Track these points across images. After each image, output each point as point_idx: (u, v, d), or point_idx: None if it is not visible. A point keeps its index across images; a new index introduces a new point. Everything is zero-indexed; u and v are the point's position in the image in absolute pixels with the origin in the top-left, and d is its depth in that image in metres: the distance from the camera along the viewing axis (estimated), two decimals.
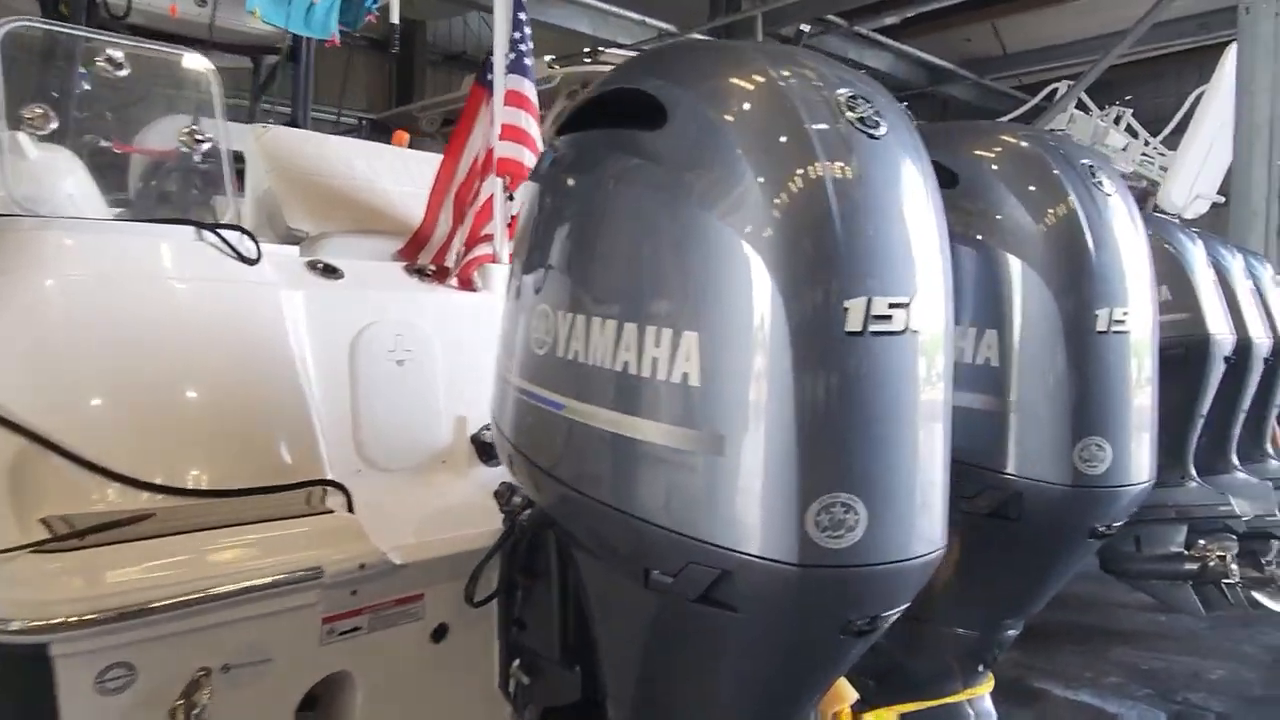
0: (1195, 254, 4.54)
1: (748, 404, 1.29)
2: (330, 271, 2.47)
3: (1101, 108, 10.62)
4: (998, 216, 1.89)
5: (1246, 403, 5.09)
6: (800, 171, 1.31)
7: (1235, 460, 5.13)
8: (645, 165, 1.42)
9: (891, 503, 1.32)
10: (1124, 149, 10.55)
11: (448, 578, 1.88)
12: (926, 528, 1.37)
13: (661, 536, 1.33)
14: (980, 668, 2.17)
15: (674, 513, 1.33)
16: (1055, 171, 1.90)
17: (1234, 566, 4.43)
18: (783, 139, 1.34)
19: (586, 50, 6.78)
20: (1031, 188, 1.89)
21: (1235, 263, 5.13)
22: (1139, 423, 1.95)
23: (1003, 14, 13.01)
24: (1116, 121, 10.62)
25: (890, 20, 12.05)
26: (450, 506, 2.27)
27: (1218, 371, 4.42)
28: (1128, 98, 10.90)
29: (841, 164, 1.33)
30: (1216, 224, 8.31)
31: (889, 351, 1.32)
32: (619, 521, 1.38)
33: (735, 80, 1.41)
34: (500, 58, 2.83)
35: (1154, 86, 13.26)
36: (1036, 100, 9.77)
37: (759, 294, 1.28)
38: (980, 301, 1.89)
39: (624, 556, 1.44)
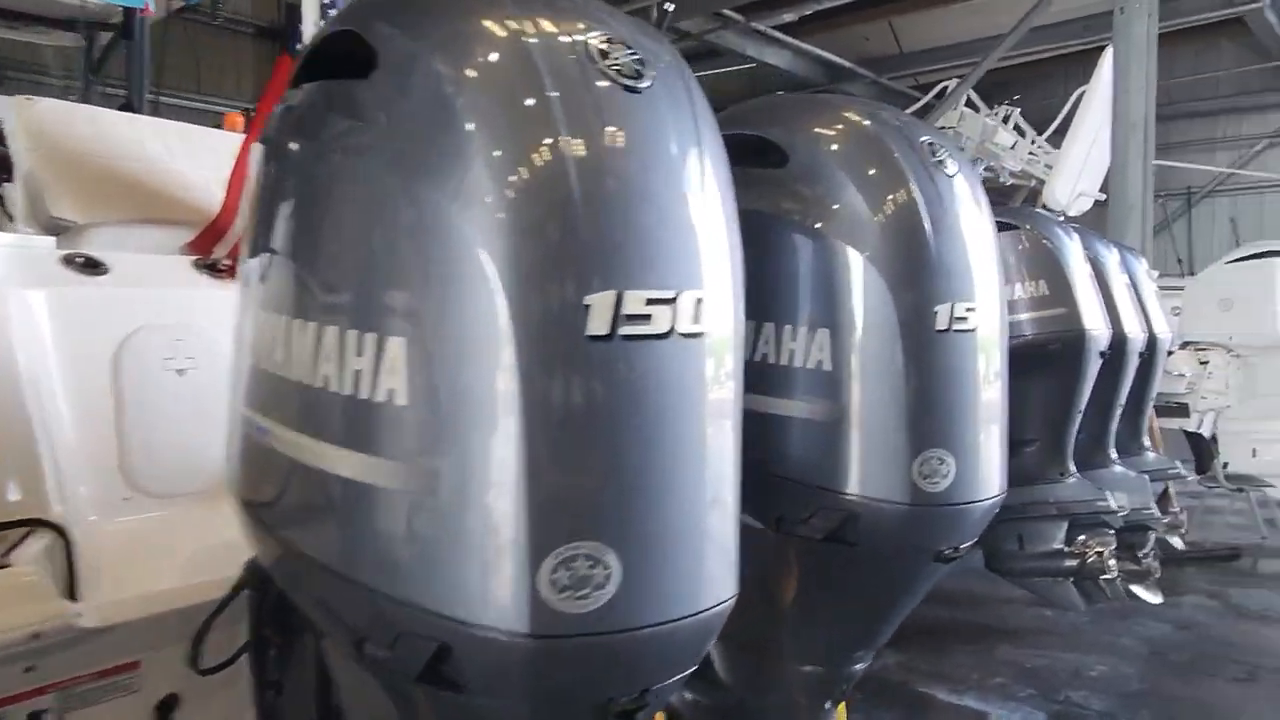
0: (1072, 250, 4.50)
1: (467, 430, 1.02)
2: (92, 266, 2.13)
3: (991, 107, 10.81)
4: (831, 201, 1.69)
5: (1123, 397, 5.11)
6: (535, 139, 1.05)
7: (1113, 454, 5.16)
8: (352, 127, 1.15)
9: (655, 550, 1.07)
10: (1012, 147, 10.78)
11: (175, 639, 1.54)
12: (709, 574, 1.13)
13: (370, 599, 1.07)
14: (828, 704, 1.96)
15: (381, 569, 1.06)
16: (894, 152, 1.70)
17: (1111, 562, 4.42)
18: (515, 96, 1.07)
19: None
20: (868, 170, 1.69)
21: (1111, 258, 5.14)
22: (986, 432, 1.75)
23: (898, 12, 13.16)
24: (1005, 121, 10.83)
25: (788, 17, 12.05)
26: (227, 542, 1.93)
27: (1094, 366, 4.39)
28: (1016, 97, 11.14)
29: (590, 128, 1.07)
30: (1100, 221, 8.49)
31: (648, 359, 1.07)
32: (322, 578, 1.11)
33: (459, 21, 1.13)
34: (310, 25, 2.52)
35: (1044, 88, 13.62)
36: (928, 99, 9.85)
37: (482, 291, 1.02)
38: (813, 297, 1.68)
39: (334, 623, 1.17)
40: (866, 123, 1.76)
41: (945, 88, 10.52)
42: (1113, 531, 4.59)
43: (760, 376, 1.59)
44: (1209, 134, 16.32)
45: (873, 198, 1.63)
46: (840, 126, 1.77)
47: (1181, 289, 8.74)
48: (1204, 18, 12.72)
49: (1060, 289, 4.31)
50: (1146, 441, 5.74)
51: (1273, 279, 7.81)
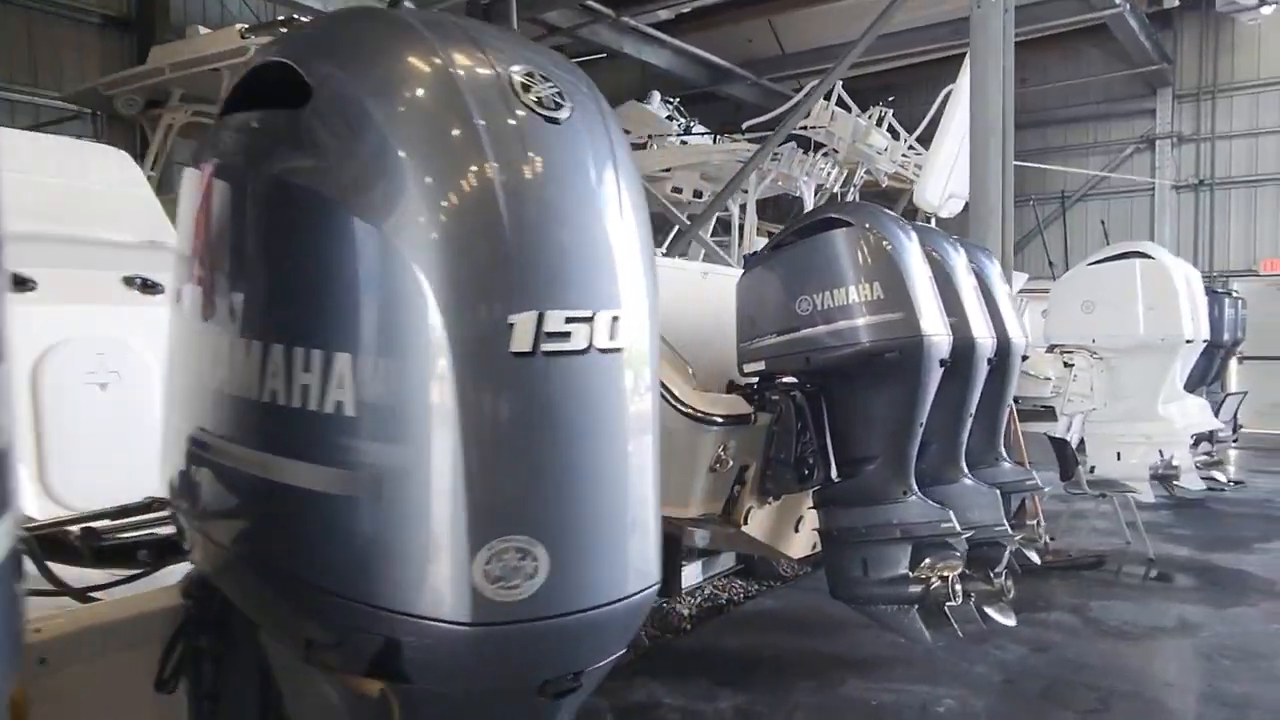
0: (910, 250, 4.16)
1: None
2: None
3: (865, 109, 10.65)
4: (356, 157, 1.21)
5: (972, 407, 4.82)
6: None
7: (964, 468, 4.87)
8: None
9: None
10: (884, 150, 10.64)
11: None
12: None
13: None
14: None
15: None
16: (459, 84, 1.23)
17: (957, 587, 4.09)
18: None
19: (281, 19, 5.80)
20: (417, 111, 1.22)
21: (958, 259, 4.84)
22: (609, 504, 1.28)
23: (777, 11, 12.96)
24: (879, 123, 10.68)
25: (664, 14, 11.71)
26: None
27: (935, 375, 4.05)
28: (890, 99, 11.02)
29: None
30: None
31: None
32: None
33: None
34: None
35: (924, 92, 13.63)
36: (796, 99, 9.60)
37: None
38: (328, 306, 1.21)
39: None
40: (428, 39, 1.28)
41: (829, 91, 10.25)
42: (959, 553, 4.28)
43: (268, 427, 1.10)
44: (1082, 139, 16.73)
45: (421, 154, 1.16)
46: (390, 47, 1.28)
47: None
48: (1067, 23, 12.94)
49: (896, 292, 3.96)
50: (1003, 452, 5.51)
51: (1133, 279, 7.78)
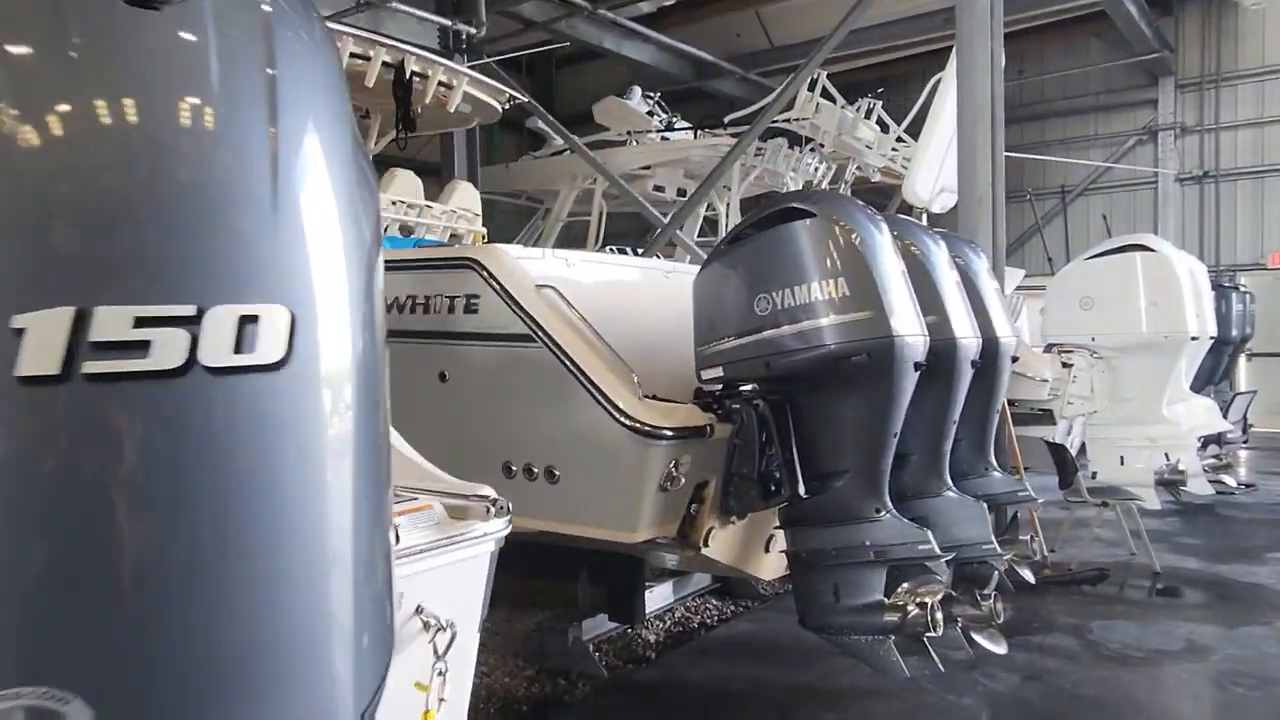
0: (880, 242, 3.76)
1: None
2: None
3: (853, 102, 10.23)
4: None
5: (955, 412, 4.42)
6: None
7: (948, 480, 4.47)
8: None
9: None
10: (873, 144, 10.21)
11: None
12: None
13: None
14: None
15: None
16: None
17: (937, 616, 3.67)
18: None
19: None
20: None
21: (938, 253, 4.45)
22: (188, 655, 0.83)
23: (765, 2, 12.54)
24: (868, 115, 10.26)
25: (645, 7, 11.32)
26: None
27: (909, 379, 3.65)
28: (879, 90, 10.61)
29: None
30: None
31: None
32: None
33: None
34: None
35: (923, 84, 13.22)
36: (779, 90, 9.18)
37: None
38: None
39: None
40: None
41: (814, 82, 9.85)
42: (940, 577, 3.88)
43: None
44: (1082, 132, 16.29)
45: None
46: None
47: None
48: (1063, 8, 12.52)
49: (864, 288, 3.56)
50: (993, 460, 5.10)
51: (1134, 273, 7.34)
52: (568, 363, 3.50)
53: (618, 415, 3.43)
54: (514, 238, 11.26)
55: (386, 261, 4.12)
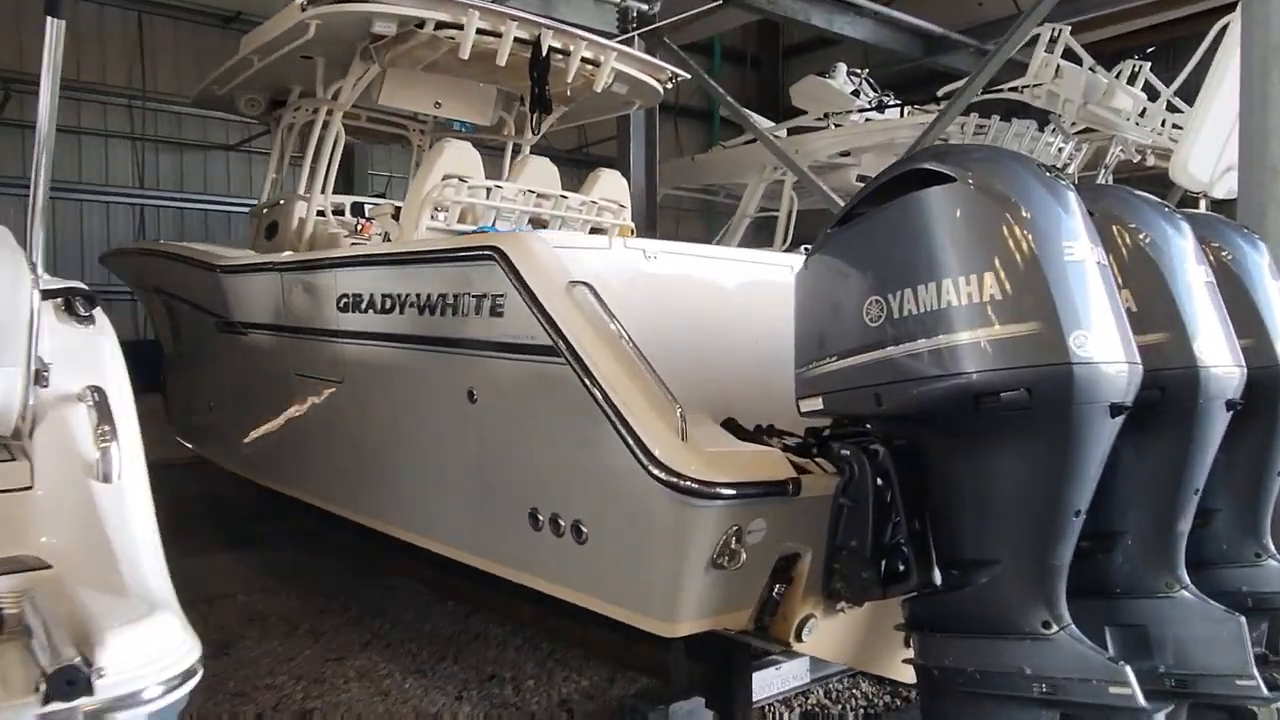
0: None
1: None
2: None
3: (1111, 69, 8.24)
4: None
5: (1196, 475, 2.93)
6: None
7: (1182, 572, 3.02)
8: None
9: None
10: (1141, 115, 8.20)
11: None
12: None
13: None
14: None
15: None
16: None
17: None
18: None
19: None
20: None
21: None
22: None
23: None
24: (1131, 80, 8.26)
25: None
26: None
27: (1100, 428, 2.38)
28: (1149, 49, 8.55)
29: None
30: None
31: None
32: None
33: None
34: None
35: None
36: (996, 50, 7.44)
37: None
38: None
39: None
40: None
41: (1053, 39, 8.03)
42: None
43: None
44: None
45: None
46: None
47: None
48: None
49: (1028, 288, 2.35)
50: (1270, 544, 3.51)
51: None
52: (590, 385, 2.60)
53: (647, 462, 2.48)
54: (708, 238, 10.45)
55: (405, 254, 3.32)
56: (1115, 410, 2.35)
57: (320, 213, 6.18)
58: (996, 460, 2.43)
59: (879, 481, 2.70)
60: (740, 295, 3.58)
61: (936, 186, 2.44)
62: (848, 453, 2.75)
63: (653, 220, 8.64)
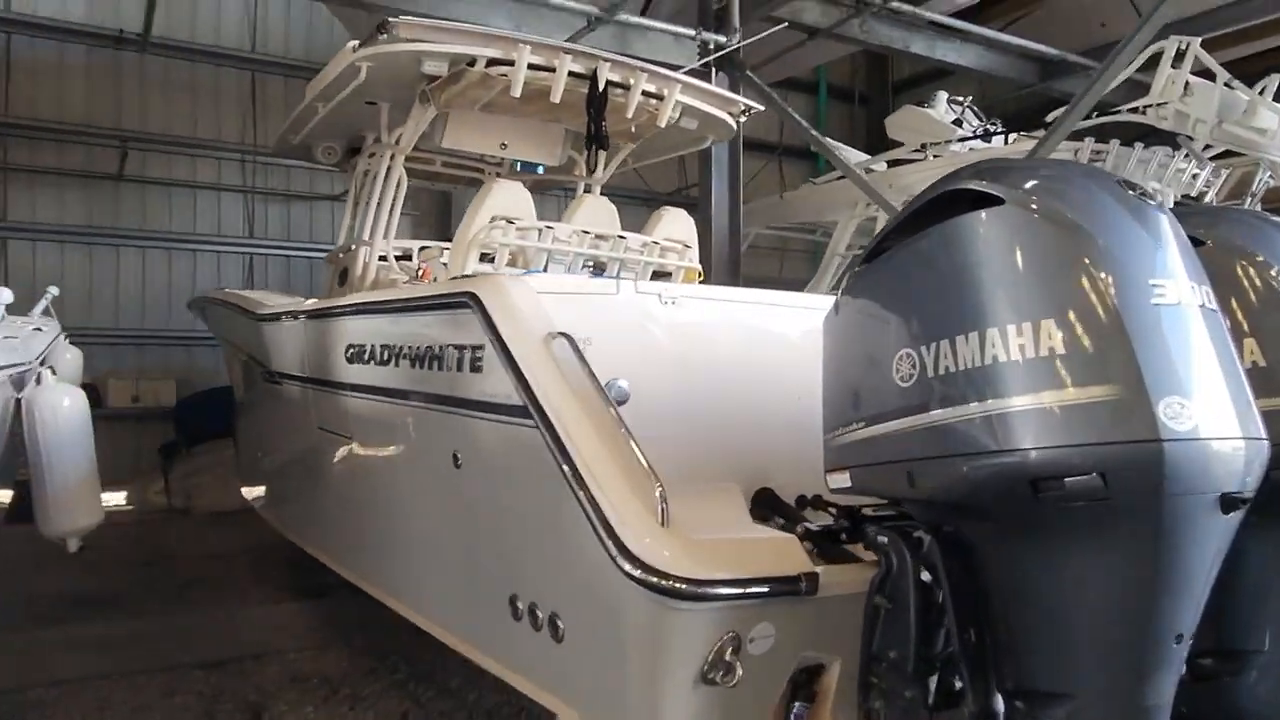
0: (1141, 252, 1.95)
1: None
2: None
3: (1252, 85, 7.28)
4: None
5: None
6: None
7: None
8: None
9: None
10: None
11: None
12: None
13: None
14: None
15: None
16: None
17: None
18: None
19: (380, 23, 4.98)
20: None
21: None
22: None
23: None
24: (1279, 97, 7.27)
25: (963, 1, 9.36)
26: None
27: (1209, 525, 1.78)
28: None
29: None
30: None
31: None
32: None
33: None
34: None
35: None
36: (1107, 64, 6.61)
37: None
38: None
39: None
40: None
41: (1180, 53, 7.16)
42: None
43: None
44: None
45: None
46: None
47: None
48: None
49: (1103, 340, 1.77)
50: None
51: None
52: (558, 454, 2.18)
53: (617, 553, 2.03)
54: (809, 281, 9.90)
55: (387, 302, 2.93)
56: (1229, 503, 1.76)
57: (383, 257, 6.06)
58: (1066, 565, 1.87)
59: (924, 577, 2.17)
60: (779, 343, 3.10)
61: (980, 210, 1.93)
62: (885, 540, 2.23)
63: (736, 262, 8.19)
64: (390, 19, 4.88)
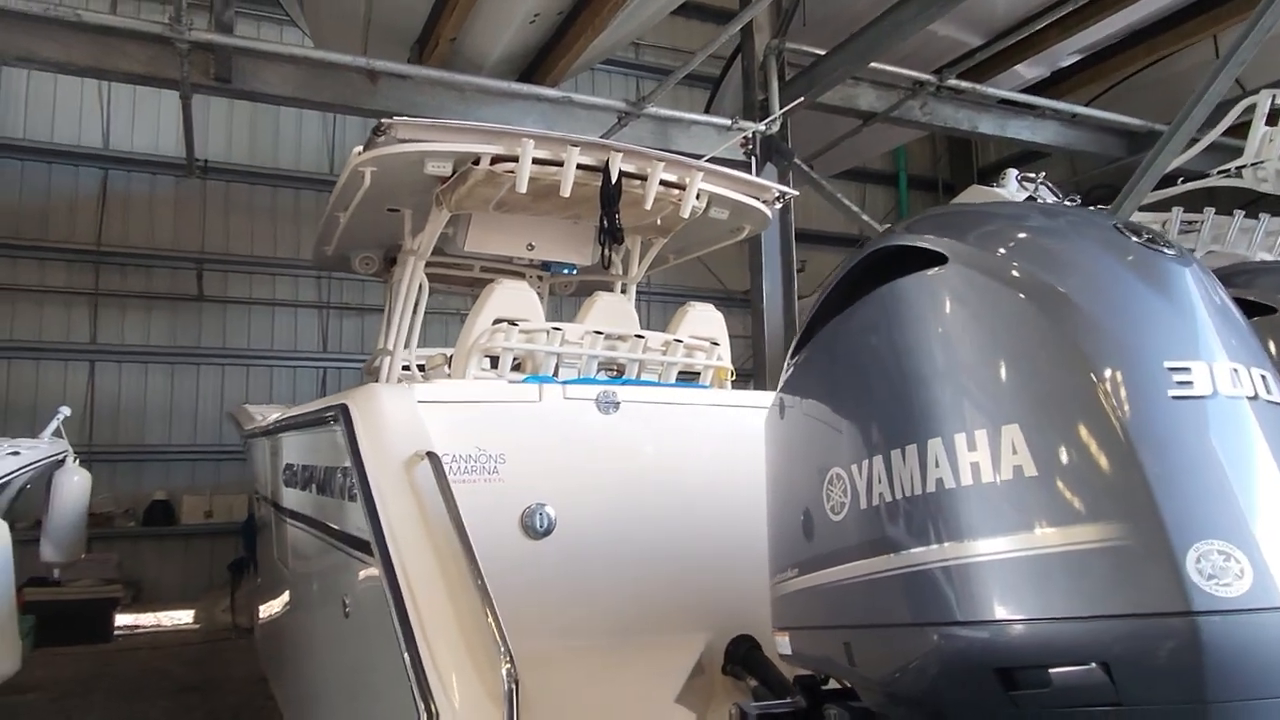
0: (1159, 318, 1.36)
1: None
2: None
3: None
4: None
5: None
6: None
7: None
8: None
9: None
10: None
11: None
12: None
13: None
14: None
15: None
16: None
17: None
18: None
19: (376, 125, 4.82)
20: None
21: None
22: None
23: (1227, 21, 8.82)
24: None
25: (1029, 73, 8.80)
26: None
27: None
28: None
29: None
30: None
31: None
32: None
33: None
34: None
35: None
36: (1178, 122, 5.91)
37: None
38: None
39: None
40: None
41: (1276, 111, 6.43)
42: None
43: None
44: None
45: None
46: None
47: None
48: None
49: (1105, 458, 1.21)
50: None
51: None
52: (391, 600, 1.68)
53: None
54: None
55: (289, 419, 2.42)
56: None
57: (405, 367, 5.81)
58: None
59: None
60: (749, 453, 2.54)
61: (918, 273, 1.39)
62: (834, 712, 1.63)
63: None
64: (384, 120, 4.73)
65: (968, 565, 1.21)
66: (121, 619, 10.51)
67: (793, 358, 1.76)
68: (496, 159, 4.89)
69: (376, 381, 6.00)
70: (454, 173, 5.05)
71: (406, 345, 5.83)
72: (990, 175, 16.53)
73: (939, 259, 1.36)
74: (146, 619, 11.17)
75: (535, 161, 4.84)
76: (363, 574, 2.04)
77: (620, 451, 2.38)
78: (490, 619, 1.59)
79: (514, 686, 1.52)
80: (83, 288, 11.45)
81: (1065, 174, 13.54)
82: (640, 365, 4.97)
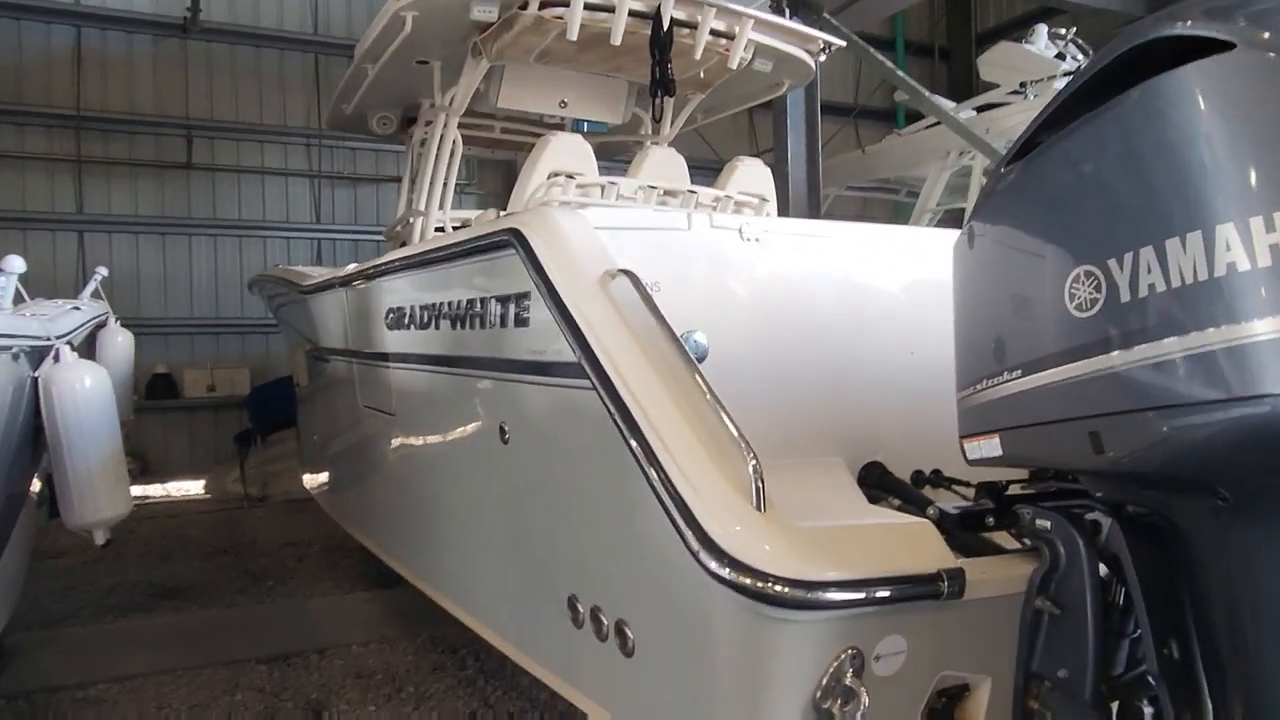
0: None
1: None
2: None
3: None
4: None
5: None
6: None
7: None
8: None
9: None
10: None
11: None
12: None
13: None
14: None
15: None
16: None
17: None
18: None
19: None
20: None
21: None
22: None
23: None
24: None
25: None
26: None
27: None
28: None
29: None
30: None
31: None
32: None
33: None
34: None
35: None
36: None
37: None
38: None
39: None
40: None
41: None
42: None
43: None
44: None
45: None
46: None
47: None
48: None
49: None
50: None
51: None
52: (622, 421, 1.71)
53: (700, 547, 1.55)
54: None
55: (419, 255, 2.38)
56: None
57: (440, 228, 5.69)
58: None
59: (1103, 574, 1.65)
60: (884, 288, 2.56)
61: (1198, 61, 1.38)
62: (1048, 525, 1.72)
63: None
64: None
65: (1262, 343, 1.25)
66: (133, 489, 10.59)
67: (1004, 170, 1.76)
68: (545, 3, 4.69)
69: (401, 245, 5.91)
70: (499, 18, 4.84)
71: (441, 206, 5.72)
72: (988, 41, 16.16)
73: (1223, 45, 1.35)
74: (155, 490, 11.27)
75: (586, 7, 4.64)
76: (533, 395, 2.07)
77: (761, 280, 2.39)
78: (727, 420, 1.63)
79: (760, 480, 1.58)
80: (64, 154, 10.97)
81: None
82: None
